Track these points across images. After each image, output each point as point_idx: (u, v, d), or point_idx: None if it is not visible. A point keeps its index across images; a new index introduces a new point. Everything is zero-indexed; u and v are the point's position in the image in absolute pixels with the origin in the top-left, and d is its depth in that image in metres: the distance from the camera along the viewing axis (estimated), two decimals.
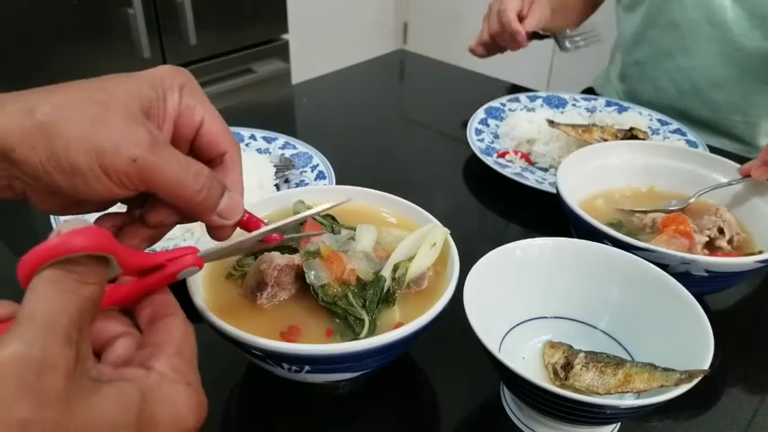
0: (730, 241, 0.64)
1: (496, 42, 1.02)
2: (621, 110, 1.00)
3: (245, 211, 0.42)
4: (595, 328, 0.54)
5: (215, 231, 0.40)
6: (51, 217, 0.65)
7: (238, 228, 0.42)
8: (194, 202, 0.36)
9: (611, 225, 0.62)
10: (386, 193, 0.59)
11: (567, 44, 1.08)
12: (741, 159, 0.72)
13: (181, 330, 0.33)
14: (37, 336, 0.25)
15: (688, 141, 0.91)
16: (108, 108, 0.34)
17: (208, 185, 0.37)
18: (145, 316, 0.34)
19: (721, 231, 0.64)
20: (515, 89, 1.13)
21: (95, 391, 0.27)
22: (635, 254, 0.53)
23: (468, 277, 0.49)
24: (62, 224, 0.28)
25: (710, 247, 0.63)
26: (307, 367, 0.44)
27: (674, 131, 0.94)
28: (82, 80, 0.36)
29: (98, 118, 0.33)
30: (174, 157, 0.35)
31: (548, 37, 1.06)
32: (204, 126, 0.39)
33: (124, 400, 0.27)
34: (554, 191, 0.66)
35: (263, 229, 0.42)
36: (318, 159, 0.81)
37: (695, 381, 0.42)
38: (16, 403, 0.24)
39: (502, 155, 0.88)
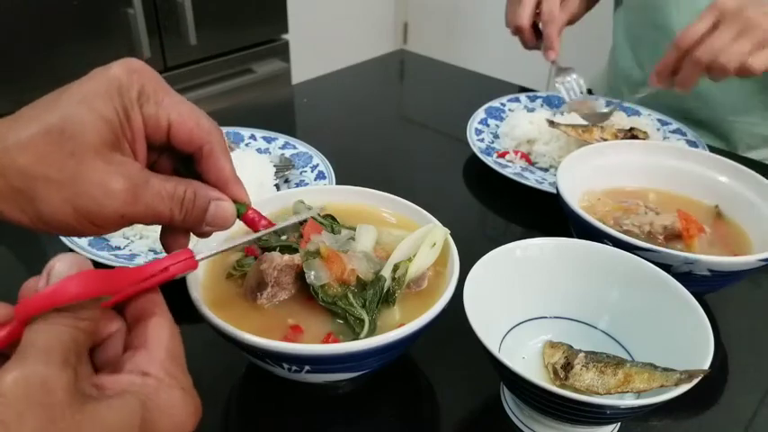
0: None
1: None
2: (621, 110, 1.00)
3: (251, 209, 0.43)
4: (595, 328, 0.54)
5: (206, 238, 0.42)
6: None
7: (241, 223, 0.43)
8: (179, 224, 0.39)
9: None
10: (386, 193, 0.59)
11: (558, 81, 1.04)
12: (741, 159, 0.72)
13: (168, 333, 0.33)
14: (38, 358, 0.26)
15: (688, 141, 0.91)
16: (80, 160, 0.34)
17: (190, 208, 0.38)
18: (131, 312, 0.34)
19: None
20: (515, 89, 1.13)
21: (100, 403, 0.27)
22: (636, 254, 0.53)
23: (468, 277, 0.49)
24: (56, 260, 0.29)
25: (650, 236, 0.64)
26: (307, 367, 0.44)
27: (674, 131, 0.94)
28: (38, 109, 0.35)
29: (74, 177, 0.34)
30: (156, 194, 0.36)
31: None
32: (172, 129, 0.39)
33: (128, 411, 0.28)
34: (554, 191, 0.66)
35: (255, 234, 0.43)
36: (318, 159, 0.81)
37: (695, 381, 0.42)
38: (27, 418, 0.25)
39: (502, 155, 0.88)
